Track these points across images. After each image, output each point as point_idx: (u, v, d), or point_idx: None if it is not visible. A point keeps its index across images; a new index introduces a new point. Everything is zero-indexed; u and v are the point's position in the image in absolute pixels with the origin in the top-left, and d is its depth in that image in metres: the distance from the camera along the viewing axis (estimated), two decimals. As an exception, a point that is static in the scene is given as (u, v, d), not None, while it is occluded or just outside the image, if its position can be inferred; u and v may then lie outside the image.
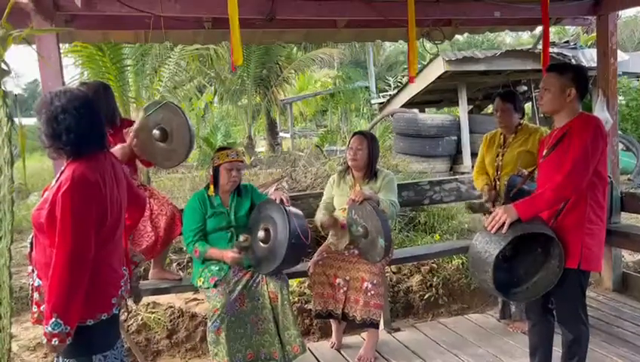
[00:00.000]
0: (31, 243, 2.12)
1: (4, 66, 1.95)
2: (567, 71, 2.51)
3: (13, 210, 2.13)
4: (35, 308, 2.10)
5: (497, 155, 3.51)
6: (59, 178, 1.99)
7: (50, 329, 1.85)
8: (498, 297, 3.65)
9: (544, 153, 2.59)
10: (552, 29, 15.65)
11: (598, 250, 2.52)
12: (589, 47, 8.42)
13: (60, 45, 3.16)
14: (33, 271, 2.08)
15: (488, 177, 3.57)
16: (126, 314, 3.48)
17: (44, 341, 1.90)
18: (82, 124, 1.96)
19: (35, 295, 2.08)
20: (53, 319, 1.85)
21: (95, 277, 1.95)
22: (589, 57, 7.74)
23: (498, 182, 3.47)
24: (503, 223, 2.34)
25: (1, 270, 2.19)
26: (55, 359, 2.15)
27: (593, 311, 3.85)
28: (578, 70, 2.57)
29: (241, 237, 3.06)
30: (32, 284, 2.10)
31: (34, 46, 2.82)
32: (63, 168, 2.01)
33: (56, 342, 1.87)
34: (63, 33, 3.20)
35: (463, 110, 9.22)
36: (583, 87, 2.51)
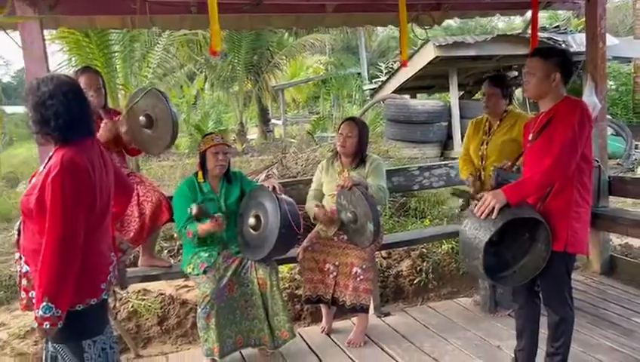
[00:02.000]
0: (18, 230, 2.11)
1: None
2: (551, 55, 2.50)
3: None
4: (23, 295, 2.09)
5: (482, 143, 3.47)
6: (47, 164, 1.98)
7: (41, 313, 1.86)
8: (485, 283, 3.68)
9: (530, 138, 2.59)
10: (544, 14, 15.62)
11: (583, 232, 2.54)
12: (580, 32, 8.43)
13: (46, 31, 3.12)
14: (21, 257, 2.07)
15: (473, 166, 3.52)
16: (114, 300, 3.49)
17: (36, 325, 1.90)
18: (70, 110, 1.95)
19: (24, 281, 2.07)
20: (44, 303, 1.85)
21: (84, 263, 1.95)
22: (579, 41, 7.76)
23: (483, 172, 3.43)
24: (492, 209, 2.34)
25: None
26: (44, 345, 2.16)
27: (580, 293, 3.90)
28: (563, 54, 2.56)
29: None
30: (20, 271, 2.09)
31: (17, 33, 2.79)
32: (51, 154, 2.01)
33: (48, 326, 1.87)
34: (47, 19, 3.14)
35: (453, 96, 9.23)
36: (568, 72, 2.51)
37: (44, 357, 2.16)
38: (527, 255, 2.51)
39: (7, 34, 2.87)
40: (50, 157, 1.99)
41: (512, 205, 2.36)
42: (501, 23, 29.06)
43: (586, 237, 2.58)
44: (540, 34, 8.01)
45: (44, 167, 1.99)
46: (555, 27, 8.79)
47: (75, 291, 1.93)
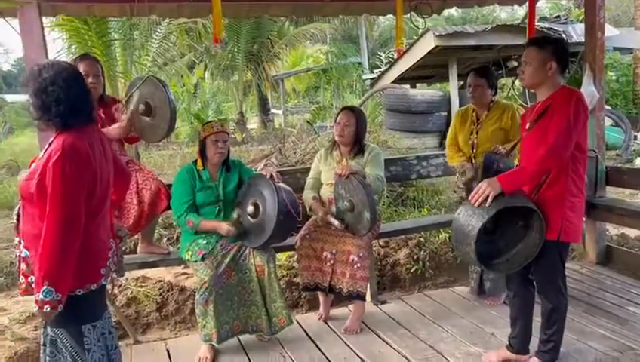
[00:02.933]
0: (17, 215, 2.13)
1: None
2: (547, 44, 2.51)
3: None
4: (22, 279, 2.11)
5: (471, 133, 3.48)
6: (47, 149, 2.00)
7: (41, 296, 1.88)
8: (476, 270, 3.71)
9: (527, 127, 2.61)
10: (546, 4, 15.55)
11: (577, 221, 2.57)
12: (580, 22, 8.39)
13: (45, 19, 3.13)
14: (20, 242, 2.10)
15: (464, 155, 3.53)
16: (112, 287, 3.52)
17: (36, 308, 1.92)
18: (71, 96, 1.97)
19: (23, 266, 2.09)
20: (45, 286, 1.87)
21: (84, 248, 1.97)
22: (579, 32, 7.73)
23: (474, 160, 3.44)
24: (487, 197, 2.36)
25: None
26: (42, 330, 2.18)
27: (576, 282, 3.93)
28: (558, 43, 2.57)
29: (235, 214, 3.11)
30: (19, 256, 2.11)
31: (16, 21, 2.79)
32: (51, 140, 2.02)
33: (48, 309, 1.90)
34: (45, 6, 3.15)
35: (453, 86, 9.21)
36: (564, 61, 2.52)
37: (42, 342, 2.18)
38: (520, 243, 2.54)
39: (6, 21, 2.87)
40: (50, 143, 2.01)
41: (506, 193, 2.38)
42: (504, 13, 28.90)
43: (579, 227, 2.61)
44: (540, 24, 8.02)
45: (44, 153, 2.01)
46: (556, 17, 8.76)
47: (76, 276, 1.95)
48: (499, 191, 2.37)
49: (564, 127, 2.38)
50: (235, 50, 13.02)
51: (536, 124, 2.53)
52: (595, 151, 4.17)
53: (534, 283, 2.72)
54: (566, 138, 2.39)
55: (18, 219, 2.14)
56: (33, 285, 2.04)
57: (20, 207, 2.13)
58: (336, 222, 3.23)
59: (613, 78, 10.40)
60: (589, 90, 4.09)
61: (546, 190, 2.51)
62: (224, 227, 3.07)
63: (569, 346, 2.94)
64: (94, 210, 2.04)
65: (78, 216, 1.93)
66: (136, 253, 3.59)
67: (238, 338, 3.25)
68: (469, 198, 2.46)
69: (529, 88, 2.68)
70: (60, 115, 1.96)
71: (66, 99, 1.95)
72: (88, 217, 1.98)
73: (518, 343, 2.78)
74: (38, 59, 2.80)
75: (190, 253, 3.14)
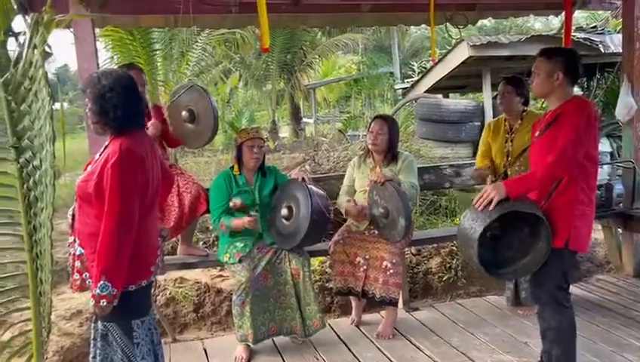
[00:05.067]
0: (72, 215, 2.26)
1: (47, 49, 2.10)
2: (555, 55, 2.52)
3: (54, 184, 2.29)
4: (77, 276, 2.21)
5: (506, 141, 3.48)
6: (103, 152, 2.13)
7: (98, 291, 1.99)
8: (493, 276, 3.68)
9: (536, 135, 2.61)
10: (583, 14, 15.26)
11: (586, 231, 2.54)
12: (618, 32, 8.26)
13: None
14: (75, 240, 2.20)
15: (493, 166, 3.54)
16: (154, 287, 3.66)
17: (92, 303, 2.03)
18: (127, 102, 2.10)
19: (77, 263, 2.20)
20: (102, 281, 1.99)
21: (137, 246, 2.08)
22: (617, 42, 7.59)
23: (509, 169, 3.42)
24: (491, 200, 2.35)
25: (43, 239, 2.36)
26: (92, 325, 2.29)
27: (612, 295, 3.90)
28: (567, 54, 2.56)
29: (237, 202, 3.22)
30: (74, 253, 2.21)
31: (71, 30, 2.97)
32: (106, 143, 2.16)
33: (105, 303, 2.01)
34: (96, 18, 3.33)
35: (487, 96, 9.14)
36: (573, 72, 2.51)
37: (92, 336, 2.28)
38: (530, 253, 2.49)
39: (68, 29, 3.05)
40: (106, 146, 2.14)
41: (511, 199, 2.37)
42: (538, 23, 28.48)
43: (588, 237, 2.57)
44: (576, 34, 7.92)
45: (100, 155, 2.14)
46: (593, 27, 8.63)
47: (129, 272, 2.06)
48: (504, 195, 2.35)
49: (572, 136, 2.36)
50: (269, 60, 13.25)
51: (545, 132, 2.52)
52: (633, 162, 4.12)
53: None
54: (575, 146, 2.37)
55: (73, 218, 2.27)
56: (87, 281, 2.16)
57: (74, 207, 2.25)
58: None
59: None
60: (626, 101, 4.06)
61: (556, 198, 2.47)
62: (246, 220, 3.15)
63: (606, 358, 2.93)
64: (147, 209, 2.15)
65: (134, 215, 2.05)
66: (175, 254, 3.73)
67: (273, 340, 3.33)
68: (474, 202, 2.45)
69: (538, 97, 2.69)
70: (117, 120, 2.09)
71: (123, 105, 2.08)
72: (141, 216, 2.09)
73: (548, 359, 2.64)
74: (90, 68, 2.97)
75: (228, 255, 3.24)
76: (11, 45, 2.24)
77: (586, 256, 4.83)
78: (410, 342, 3.32)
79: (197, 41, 8.08)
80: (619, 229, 4.37)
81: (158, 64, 7.44)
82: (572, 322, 2.54)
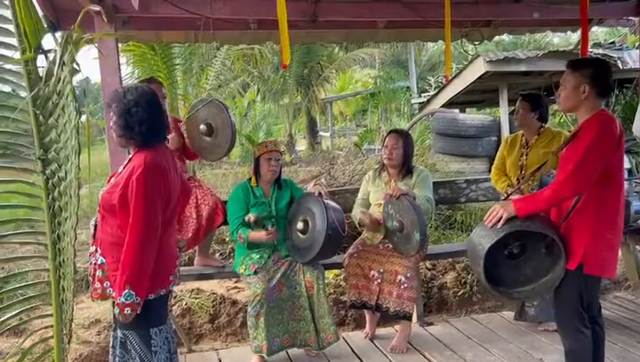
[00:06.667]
0: (95, 225, 2.33)
1: (75, 66, 2.19)
2: (582, 67, 2.37)
3: (78, 194, 2.37)
4: (97, 285, 2.27)
5: (521, 155, 3.49)
6: (127, 164, 2.20)
7: (123, 299, 2.06)
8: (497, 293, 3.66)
9: (563, 152, 2.53)
10: (601, 30, 15.17)
11: (606, 254, 2.38)
12: (636, 48, 8.21)
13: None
14: (97, 250, 2.27)
15: (509, 179, 3.55)
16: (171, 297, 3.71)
17: (117, 311, 2.10)
18: (152, 117, 2.18)
19: (98, 272, 2.25)
20: (127, 290, 2.05)
21: (158, 256, 2.14)
22: (635, 58, 7.55)
23: (523, 186, 3.38)
24: (500, 218, 2.33)
25: (67, 247, 2.44)
26: (112, 333, 2.35)
27: (630, 313, 3.87)
28: (596, 66, 2.40)
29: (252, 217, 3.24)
30: (96, 263, 2.27)
31: (97, 46, 3.06)
32: (130, 156, 2.23)
33: (129, 311, 2.07)
34: (121, 34, 3.44)
35: (503, 111, 9.13)
36: (602, 84, 2.34)
37: (111, 343, 2.34)
38: (550, 273, 2.43)
39: (94, 46, 3.15)
40: (130, 159, 2.21)
41: (520, 217, 2.33)
42: (556, 38, 28.31)
43: (607, 260, 2.40)
44: (594, 50, 7.89)
45: (124, 168, 2.21)
46: (611, 43, 8.59)
47: (150, 281, 2.12)
48: (512, 214, 2.32)
49: (582, 155, 2.26)
50: (287, 74, 13.39)
51: (566, 149, 2.44)
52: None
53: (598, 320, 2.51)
54: (585, 166, 2.26)
55: (95, 228, 2.34)
56: (108, 290, 2.23)
57: (97, 218, 2.32)
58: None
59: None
60: (644, 117, 4.03)
61: (572, 218, 2.37)
62: (264, 233, 3.19)
63: (623, 376, 2.90)
64: (167, 220, 2.21)
65: (157, 226, 2.11)
66: (192, 265, 3.78)
67: (287, 352, 3.35)
68: (484, 219, 2.44)
69: (564, 112, 2.64)
70: (141, 134, 2.16)
71: (147, 120, 2.16)
72: (162, 227, 2.16)
73: None
74: (114, 83, 3.06)
75: (244, 266, 3.29)
76: (40, 61, 2.34)
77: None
78: (424, 357, 3.31)
79: (216, 56, 8.24)
80: (637, 246, 4.32)
81: (178, 78, 7.60)
82: (588, 347, 2.42)
